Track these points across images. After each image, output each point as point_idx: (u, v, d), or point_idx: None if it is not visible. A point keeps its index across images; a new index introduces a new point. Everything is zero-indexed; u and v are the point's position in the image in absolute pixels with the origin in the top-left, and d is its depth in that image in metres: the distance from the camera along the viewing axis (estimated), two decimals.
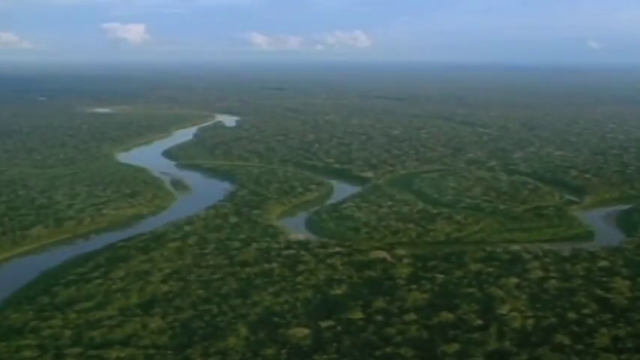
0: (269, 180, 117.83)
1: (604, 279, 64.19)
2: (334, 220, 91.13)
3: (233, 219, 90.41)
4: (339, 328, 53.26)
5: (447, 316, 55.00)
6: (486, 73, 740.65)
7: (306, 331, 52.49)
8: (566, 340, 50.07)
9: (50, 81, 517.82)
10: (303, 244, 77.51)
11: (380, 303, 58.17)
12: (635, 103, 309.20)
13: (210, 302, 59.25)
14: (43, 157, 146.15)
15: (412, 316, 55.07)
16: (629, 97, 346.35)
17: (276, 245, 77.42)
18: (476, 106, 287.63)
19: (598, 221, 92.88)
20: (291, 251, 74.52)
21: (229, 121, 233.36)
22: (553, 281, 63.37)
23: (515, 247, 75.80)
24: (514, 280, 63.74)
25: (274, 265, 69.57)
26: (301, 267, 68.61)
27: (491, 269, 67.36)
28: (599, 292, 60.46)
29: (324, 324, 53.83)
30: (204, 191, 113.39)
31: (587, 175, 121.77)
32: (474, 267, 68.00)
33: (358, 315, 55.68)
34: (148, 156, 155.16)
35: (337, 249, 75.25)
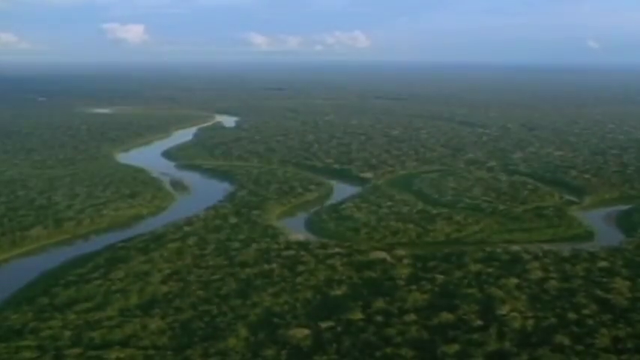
0: (269, 180, 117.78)
1: (604, 279, 64.14)
2: (334, 221, 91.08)
3: (233, 219, 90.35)
4: (339, 328, 53.19)
5: (447, 316, 54.94)
6: (486, 73, 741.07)
7: (306, 331, 52.42)
8: (567, 341, 50.02)
9: (49, 81, 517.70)
10: (302, 245, 77.42)
11: (380, 303, 58.12)
12: (635, 103, 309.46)
13: (210, 303, 59.18)
14: (43, 158, 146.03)
15: (412, 317, 55.01)
16: (629, 97, 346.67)
17: (276, 246, 77.35)
18: (475, 106, 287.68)
19: (598, 221, 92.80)
20: (291, 252, 74.44)
21: (229, 121, 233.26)
22: (553, 282, 63.30)
23: (515, 248, 75.71)
24: (514, 280, 63.69)
25: (274, 265, 69.50)
26: (301, 267, 68.54)
27: (491, 270, 67.30)
28: (599, 292, 60.41)
29: (324, 324, 53.76)
30: (204, 192, 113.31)
31: (587, 176, 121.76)
32: (474, 267, 67.95)
33: (358, 315, 55.62)
34: (147, 156, 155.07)
35: (337, 249, 75.16)
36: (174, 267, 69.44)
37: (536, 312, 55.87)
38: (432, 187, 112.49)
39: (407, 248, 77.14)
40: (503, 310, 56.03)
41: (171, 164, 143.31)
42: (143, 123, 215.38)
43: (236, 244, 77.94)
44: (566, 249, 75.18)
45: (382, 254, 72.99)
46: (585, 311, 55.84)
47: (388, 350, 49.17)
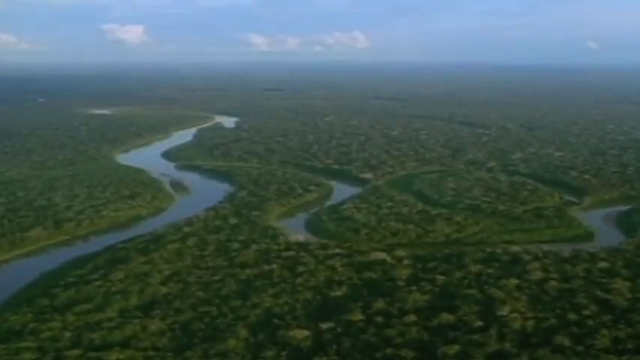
0: (268, 181, 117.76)
1: (604, 280, 64.12)
2: (334, 222, 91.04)
3: (232, 220, 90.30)
4: (339, 329, 53.15)
5: (447, 317, 54.89)
6: (485, 73, 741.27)
7: (306, 332, 52.37)
8: (567, 342, 49.99)
9: (49, 82, 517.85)
10: (302, 246, 77.40)
11: (380, 304, 58.08)
12: (635, 103, 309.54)
13: (210, 304, 59.13)
14: (42, 159, 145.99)
15: (412, 318, 54.96)
16: (629, 98, 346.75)
17: (276, 246, 77.32)
18: (475, 106, 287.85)
19: (598, 222, 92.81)
20: (291, 252, 74.41)
21: (228, 122, 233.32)
22: (553, 282, 63.28)
23: (515, 248, 75.72)
24: (514, 281, 63.66)
25: (274, 266, 69.46)
26: (301, 268, 68.49)
27: (491, 270, 67.27)
28: (599, 293, 60.39)
29: (324, 325, 53.72)
30: (204, 192, 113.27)
31: (587, 176, 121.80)
32: (474, 268, 67.91)
33: (358, 316, 55.58)
34: (147, 157, 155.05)
35: (337, 250, 75.14)
36: (174, 268, 69.39)
37: (536, 313, 55.84)
38: (431, 188, 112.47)
39: (407, 249, 77.13)
40: (504, 310, 55.99)
41: (171, 165, 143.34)
42: (143, 124, 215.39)
43: (236, 245, 77.90)
44: (566, 249, 75.17)
45: (382, 255, 72.96)
46: (585, 312, 55.82)
47: (388, 351, 49.12)
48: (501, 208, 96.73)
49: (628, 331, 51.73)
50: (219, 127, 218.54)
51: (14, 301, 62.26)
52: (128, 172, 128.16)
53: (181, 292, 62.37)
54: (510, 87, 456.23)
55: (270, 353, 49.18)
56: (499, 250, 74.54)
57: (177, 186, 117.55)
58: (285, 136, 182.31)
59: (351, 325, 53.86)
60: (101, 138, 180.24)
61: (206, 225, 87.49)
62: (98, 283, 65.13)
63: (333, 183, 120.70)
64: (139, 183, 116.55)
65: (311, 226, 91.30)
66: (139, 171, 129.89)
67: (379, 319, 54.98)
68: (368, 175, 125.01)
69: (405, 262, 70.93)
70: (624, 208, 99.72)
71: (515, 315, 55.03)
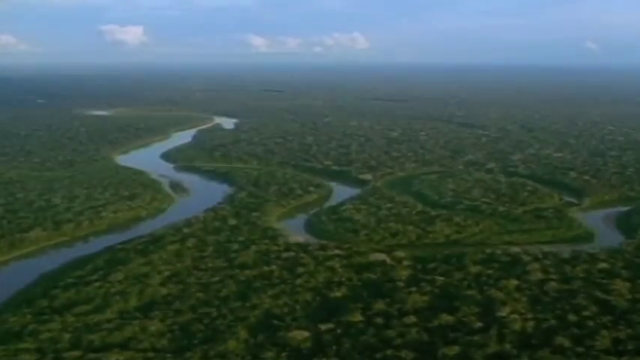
0: (268, 182, 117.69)
1: (604, 281, 64.05)
2: (333, 223, 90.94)
3: (232, 221, 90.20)
4: (338, 330, 53.06)
5: (447, 318, 54.84)
6: (485, 74, 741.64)
7: (305, 333, 52.29)
8: (567, 343, 49.93)
9: (48, 83, 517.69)
10: (302, 247, 77.31)
11: (380, 305, 58.01)
12: (634, 104, 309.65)
13: (210, 305, 59.04)
14: (42, 160, 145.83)
15: (412, 319, 54.88)
16: (628, 98, 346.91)
17: (276, 248, 77.22)
18: (474, 107, 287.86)
19: (598, 223, 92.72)
20: (291, 253, 74.33)
21: (228, 123, 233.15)
22: (553, 283, 63.24)
23: (515, 249, 75.68)
24: (514, 282, 63.59)
25: (273, 267, 69.38)
26: (301, 269, 68.41)
27: (491, 271, 67.23)
28: (599, 294, 60.34)
29: (323, 327, 53.62)
30: (203, 193, 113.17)
31: (587, 177, 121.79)
32: (474, 269, 67.86)
33: (358, 317, 55.50)
34: (146, 158, 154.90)
35: (336, 251, 75.07)
36: (173, 269, 69.29)
37: (536, 313, 55.79)
38: (431, 189, 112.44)
39: (406, 250, 77.05)
40: (504, 311, 55.92)
41: (171, 166, 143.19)
42: (142, 125, 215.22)
43: (235, 246, 77.81)
44: (566, 250, 75.12)
45: (382, 256, 72.90)
46: (585, 313, 55.75)
47: (388, 352, 49.05)
48: (501, 209, 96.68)
49: (628, 332, 51.67)
50: (218, 128, 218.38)
51: (13, 302, 62.09)
52: (127, 173, 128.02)
53: (181, 293, 62.27)
54: (510, 88, 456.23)
55: (269, 354, 49.09)
56: (499, 251, 74.47)
57: (177, 187, 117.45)
58: (285, 137, 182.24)
59: (351, 326, 53.78)
60: (100, 139, 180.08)
61: (205, 226, 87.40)
62: (97, 284, 65.02)
63: (332, 184, 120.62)
64: (139, 184, 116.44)
65: (310, 227, 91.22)
66: (139, 172, 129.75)
67: (379, 320, 54.91)
68: (367, 176, 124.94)
69: (405, 263, 70.88)
70: (624, 208, 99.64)
71: (515, 316, 54.96)
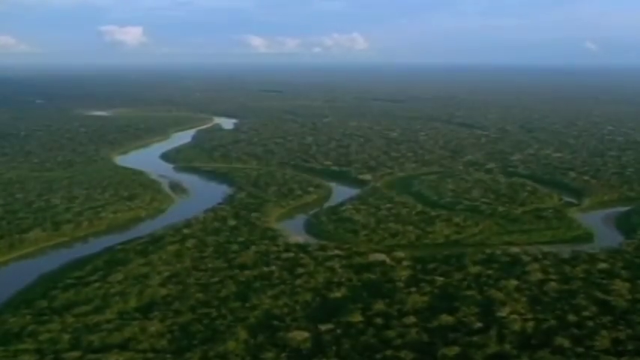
0: (267, 182, 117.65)
1: (604, 281, 64.08)
2: (333, 223, 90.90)
3: (232, 222, 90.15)
4: (338, 331, 53.05)
5: (446, 318, 54.83)
6: (484, 74, 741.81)
7: (305, 334, 52.27)
8: (567, 343, 49.94)
9: (47, 84, 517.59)
10: (302, 247, 77.30)
11: (379, 306, 57.99)
12: (633, 104, 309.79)
13: (209, 305, 59.01)
14: (41, 160, 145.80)
15: (412, 319, 54.89)
16: (628, 99, 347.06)
17: (275, 248, 77.20)
18: (474, 108, 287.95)
19: (597, 223, 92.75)
20: (290, 254, 74.31)
21: (227, 123, 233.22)
22: (553, 283, 63.26)
23: (515, 249, 75.71)
24: (514, 282, 63.61)
25: (273, 268, 69.36)
26: (300, 270, 68.39)
27: (490, 271, 67.24)
28: (598, 294, 60.36)
29: (323, 327, 53.61)
30: (203, 194, 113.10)
31: (586, 177, 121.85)
32: (474, 269, 67.87)
33: (358, 318, 55.50)
34: (146, 159, 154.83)
35: (336, 252, 75.08)
36: (173, 269, 69.25)
37: (536, 314, 55.80)
38: (431, 189, 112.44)
39: (406, 250, 77.05)
40: (503, 312, 55.93)
41: (170, 166, 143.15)
42: (141, 125, 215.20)
43: (235, 247, 77.78)
44: (565, 251, 75.17)
45: (381, 256, 72.91)
46: (585, 313, 55.78)
47: (388, 353, 49.03)
48: (501, 209, 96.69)
49: (628, 333, 51.70)
50: (218, 128, 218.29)
51: (13, 303, 62.02)
52: (127, 174, 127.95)
53: (180, 293, 62.23)
54: (509, 88, 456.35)
55: (269, 355, 49.07)
56: (498, 252, 74.51)
57: (176, 187, 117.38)
58: (284, 138, 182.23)
59: (351, 327, 53.76)
60: (100, 139, 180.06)
61: (205, 226, 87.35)
62: (97, 284, 64.97)
63: (332, 184, 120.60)
64: (138, 184, 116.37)
65: (310, 227, 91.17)
66: (138, 172, 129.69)
67: (379, 320, 54.90)
68: (367, 177, 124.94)
69: (405, 263, 70.88)
70: (623, 209, 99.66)
71: (515, 316, 54.97)
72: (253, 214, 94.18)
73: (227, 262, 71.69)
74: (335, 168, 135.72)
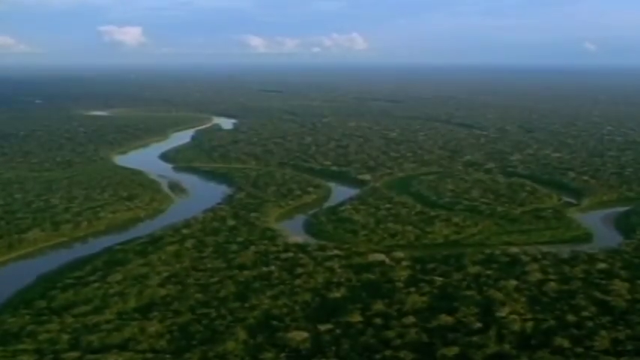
0: (267, 183, 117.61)
1: (603, 281, 64.10)
2: (332, 223, 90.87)
3: (231, 222, 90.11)
4: (338, 331, 53.03)
5: (446, 318, 54.82)
6: (483, 75, 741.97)
7: (304, 334, 52.24)
8: (566, 343, 49.94)
9: (47, 84, 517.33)
10: (301, 247, 77.27)
11: (379, 306, 57.98)
12: (633, 104, 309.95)
13: (209, 306, 58.98)
14: (40, 160, 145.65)
15: (411, 319, 54.88)
16: (627, 99, 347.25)
17: (275, 248, 77.17)
18: (473, 108, 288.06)
19: (596, 223, 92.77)
20: (290, 254, 74.29)
21: (226, 123, 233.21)
22: (552, 283, 63.28)
23: (514, 250, 75.72)
24: (513, 282, 63.61)
25: (272, 268, 69.33)
26: (300, 270, 68.36)
27: (490, 272, 67.25)
28: (598, 294, 60.38)
29: (322, 327, 53.59)
30: (202, 194, 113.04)
31: (585, 177, 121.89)
32: (473, 269, 67.87)
33: (357, 318, 55.47)
34: (145, 159, 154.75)
35: (335, 252, 75.08)
36: (172, 270, 69.21)
37: (535, 314, 55.82)
38: (430, 189, 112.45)
39: (405, 250, 77.04)
40: (503, 312, 55.93)
41: (169, 167, 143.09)
42: (141, 125, 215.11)
43: (234, 247, 77.75)
44: (564, 251, 75.20)
45: (381, 256, 72.90)
46: (584, 313, 55.80)
47: (387, 353, 49.02)
48: (500, 209, 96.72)
49: (627, 333, 51.71)
50: (217, 128, 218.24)
51: (12, 303, 61.96)
52: (126, 174, 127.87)
53: (180, 294, 62.19)
54: (508, 88, 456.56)
55: (269, 355, 49.05)
56: (498, 252, 74.53)
57: (176, 188, 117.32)
58: (284, 138, 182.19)
59: (350, 327, 53.74)
60: (99, 139, 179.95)
61: (204, 227, 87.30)
62: (96, 285, 64.92)
63: (331, 184, 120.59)
64: (137, 185, 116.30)
65: (309, 227, 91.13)
66: (137, 173, 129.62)
67: (378, 320, 54.88)
68: (366, 177, 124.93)
69: (404, 263, 70.87)
70: (622, 209, 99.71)
71: (515, 316, 54.98)
72: (252, 214, 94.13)
73: (226, 263, 71.65)
74: (334, 168, 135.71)
